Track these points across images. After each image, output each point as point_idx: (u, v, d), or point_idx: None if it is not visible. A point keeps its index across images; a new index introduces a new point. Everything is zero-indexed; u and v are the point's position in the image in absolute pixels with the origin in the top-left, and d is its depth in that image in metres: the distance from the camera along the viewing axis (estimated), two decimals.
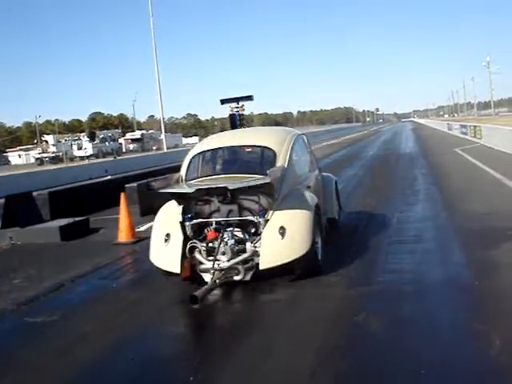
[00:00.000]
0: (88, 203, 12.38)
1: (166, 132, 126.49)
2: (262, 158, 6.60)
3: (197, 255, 5.65)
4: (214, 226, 5.80)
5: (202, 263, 5.61)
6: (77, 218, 10.16)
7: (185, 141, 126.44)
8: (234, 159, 7.11)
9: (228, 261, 5.46)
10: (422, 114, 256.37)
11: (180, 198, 5.94)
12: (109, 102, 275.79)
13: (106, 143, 71.53)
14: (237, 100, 23.95)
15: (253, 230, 5.77)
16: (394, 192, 12.32)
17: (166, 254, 5.71)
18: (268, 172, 5.70)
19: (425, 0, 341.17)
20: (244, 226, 5.78)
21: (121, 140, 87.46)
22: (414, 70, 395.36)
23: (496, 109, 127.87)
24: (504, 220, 8.00)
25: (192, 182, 6.32)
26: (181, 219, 5.78)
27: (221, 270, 5.44)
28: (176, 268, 5.55)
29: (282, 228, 5.52)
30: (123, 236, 8.83)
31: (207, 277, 5.52)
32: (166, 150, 58.68)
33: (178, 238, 5.68)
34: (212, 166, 6.91)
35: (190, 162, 6.63)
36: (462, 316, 4.58)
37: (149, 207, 9.69)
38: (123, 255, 8.11)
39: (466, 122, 64.07)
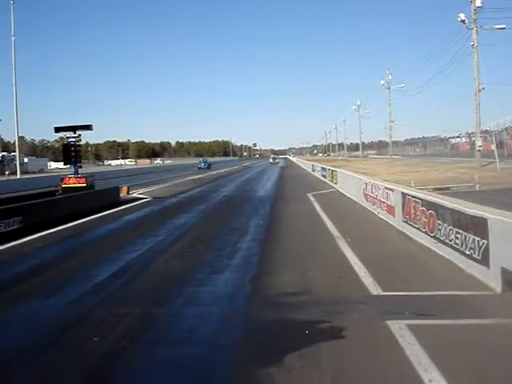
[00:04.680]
0: None
1: (32, 155, 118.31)
2: None
3: None
4: None
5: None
6: None
7: (54, 165, 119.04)
8: None
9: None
10: (297, 152, 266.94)
11: None
12: None
13: None
14: (73, 129, 21.25)
15: None
16: (209, 252, 10.41)
17: None
18: None
19: (297, 41, 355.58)
20: None
21: None
22: (291, 108, 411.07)
23: (366, 151, 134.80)
24: (310, 308, 6.37)
25: None
26: None
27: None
28: None
29: None
30: None
31: None
32: (18, 176, 53.61)
33: None
34: None
35: None
36: None
37: None
38: None
39: (335, 162, 66.24)
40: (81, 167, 22.18)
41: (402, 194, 12.06)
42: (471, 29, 36.61)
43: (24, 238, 12.52)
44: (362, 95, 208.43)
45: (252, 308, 6.56)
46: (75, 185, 20.78)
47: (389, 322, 5.70)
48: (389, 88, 72.52)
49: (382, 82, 73.62)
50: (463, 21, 36.80)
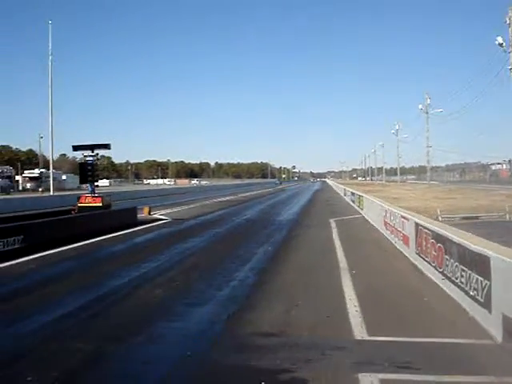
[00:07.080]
0: None
1: (72, 173, 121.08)
2: None
3: None
4: None
5: None
6: None
7: None
8: None
9: None
10: (336, 175, 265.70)
11: None
12: (19, 135, 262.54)
13: None
14: (91, 148, 21.12)
15: None
16: (201, 281, 9.76)
17: None
18: None
19: (337, 65, 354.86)
20: None
21: (18, 177, 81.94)
22: (331, 132, 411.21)
23: (405, 175, 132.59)
24: (279, 353, 5.65)
25: None
26: None
27: None
28: None
29: None
30: None
31: None
32: (51, 193, 54.10)
33: None
34: None
35: None
36: None
37: None
38: None
39: (371, 186, 64.96)
40: (97, 186, 22.00)
41: (416, 224, 11.19)
42: (509, 52, 35.34)
43: (20, 259, 12.18)
44: (402, 119, 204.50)
45: (216, 350, 5.87)
46: (91, 204, 20.54)
47: (361, 375, 4.92)
48: (427, 113, 70.99)
49: (420, 107, 72.16)
50: (501, 44, 35.58)
